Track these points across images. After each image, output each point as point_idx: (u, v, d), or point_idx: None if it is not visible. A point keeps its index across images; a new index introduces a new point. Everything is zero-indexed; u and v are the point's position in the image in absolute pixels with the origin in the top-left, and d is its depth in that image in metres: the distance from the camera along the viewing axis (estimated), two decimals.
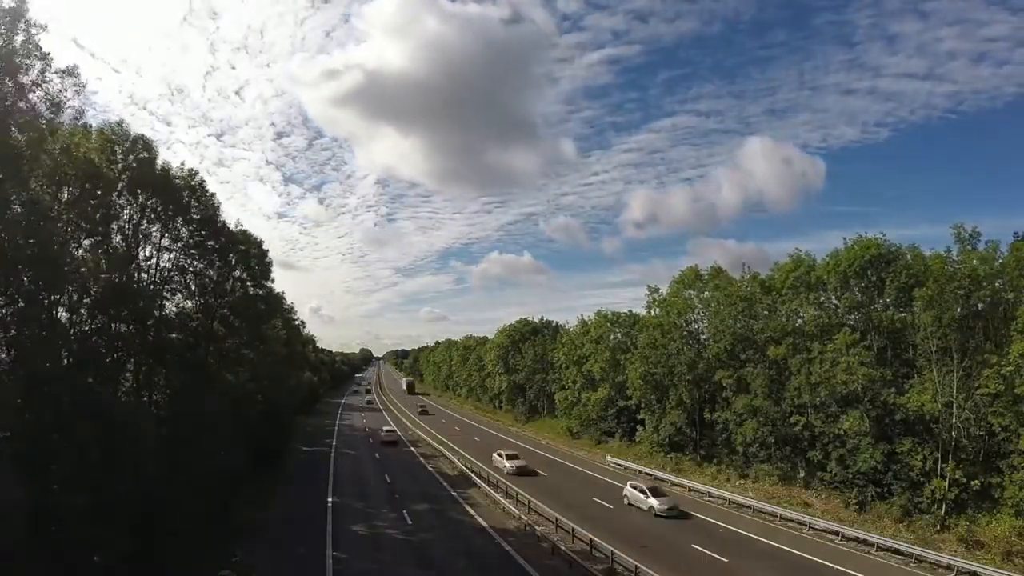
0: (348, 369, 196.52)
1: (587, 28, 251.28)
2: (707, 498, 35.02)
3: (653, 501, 31.48)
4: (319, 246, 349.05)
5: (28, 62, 17.42)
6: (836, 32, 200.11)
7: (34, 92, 17.75)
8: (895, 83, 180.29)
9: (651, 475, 40.77)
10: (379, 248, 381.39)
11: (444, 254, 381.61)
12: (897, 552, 25.04)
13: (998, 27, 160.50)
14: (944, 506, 27.88)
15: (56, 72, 18.14)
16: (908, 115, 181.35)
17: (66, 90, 18.44)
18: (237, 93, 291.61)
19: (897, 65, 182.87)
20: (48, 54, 17.80)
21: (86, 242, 22.63)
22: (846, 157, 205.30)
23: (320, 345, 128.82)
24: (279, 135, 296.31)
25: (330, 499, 35.01)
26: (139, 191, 25.33)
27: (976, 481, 27.21)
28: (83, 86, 18.81)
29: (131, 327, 24.18)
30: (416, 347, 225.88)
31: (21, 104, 17.42)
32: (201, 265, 29.39)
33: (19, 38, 17.19)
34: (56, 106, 18.53)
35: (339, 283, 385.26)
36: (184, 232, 28.06)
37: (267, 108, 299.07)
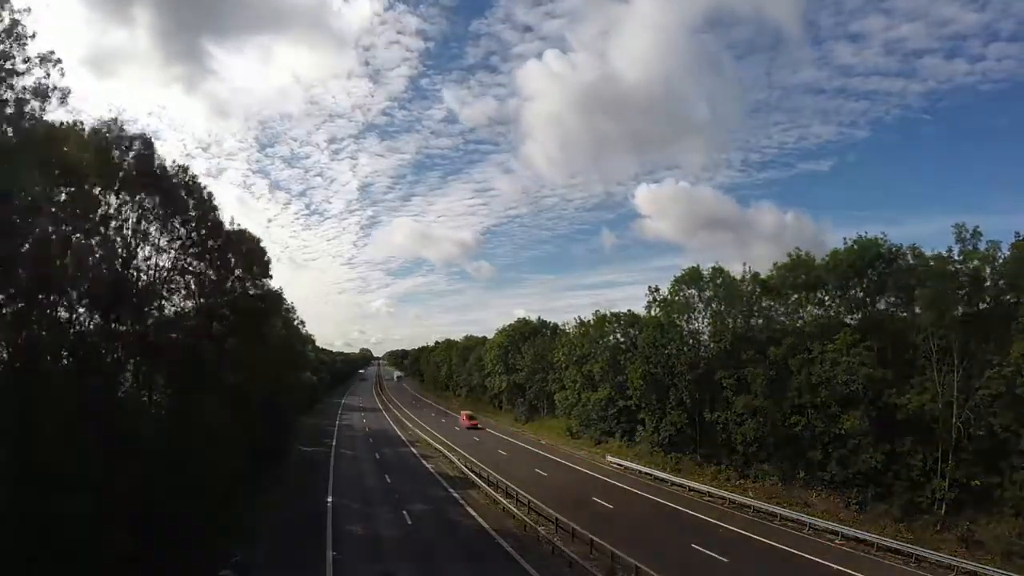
0: (348, 369, 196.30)
1: (547, 37, 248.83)
2: (707, 498, 35.00)
3: None
4: (309, 249, 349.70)
5: (10, 46, 17.24)
6: (800, 30, 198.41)
7: (19, 78, 17.51)
8: (866, 82, 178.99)
9: (651, 475, 40.80)
10: (368, 250, 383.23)
11: (432, 255, 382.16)
12: (897, 552, 25.04)
13: (966, 23, 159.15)
14: (944, 506, 27.90)
15: (37, 56, 17.96)
16: (883, 114, 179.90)
17: (49, 76, 18.28)
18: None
19: (865, 64, 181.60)
20: (31, 35, 17.54)
21: (84, 241, 22.51)
22: (825, 156, 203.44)
23: (320, 345, 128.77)
24: (263, 146, 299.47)
25: (330, 499, 34.99)
26: (136, 190, 25.19)
27: (976, 481, 27.23)
28: (59, 62, 18.53)
29: (130, 327, 24.12)
30: (415, 347, 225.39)
31: (6, 93, 17.21)
32: (200, 264, 29.30)
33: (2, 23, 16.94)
34: (42, 94, 18.27)
35: (332, 285, 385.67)
36: (182, 231, 27.92)
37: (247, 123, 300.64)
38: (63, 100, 18.94)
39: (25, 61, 17.57)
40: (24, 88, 17.74)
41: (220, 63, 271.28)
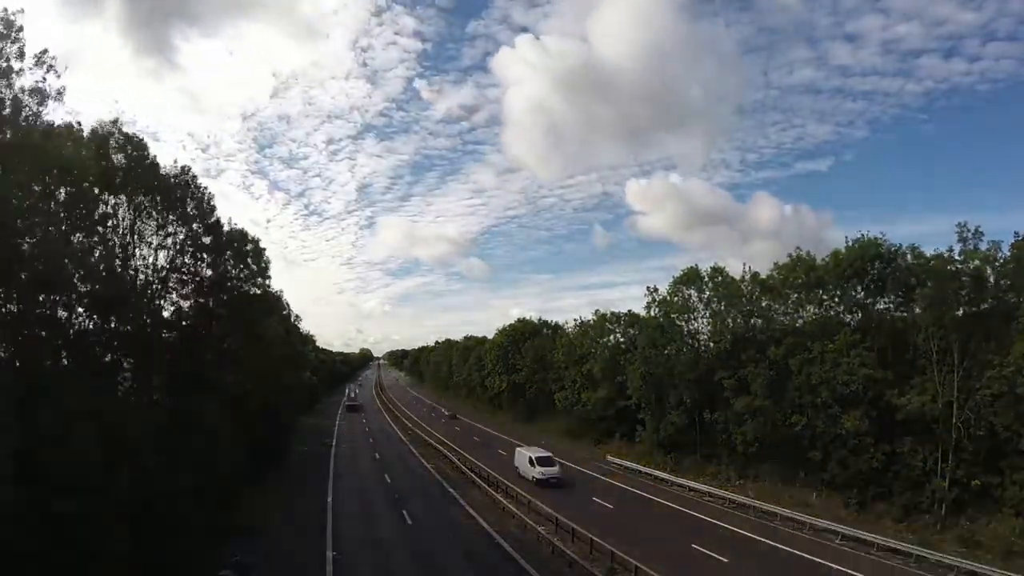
0: (348, 369, 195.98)
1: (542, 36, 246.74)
2: (707, 498, 34.99)
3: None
4: (308, 249, 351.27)
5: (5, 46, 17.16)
6: (795, 31, 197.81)
7: (17, 77, 17.40)
8: (863, 82, 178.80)
9: (651, 475, 40.79)
10: (367, 251, 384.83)
11: (430, 255, 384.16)
12: (897, 552, 25.02)
13: (963, 22, 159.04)
14: (944, 506, 27.86)
15: (33, 56, 17.88)
16: (881, 114, 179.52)
17: (45, 78, 18.19)
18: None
19: (862, 64, 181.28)
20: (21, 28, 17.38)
21: (83, 241, 22.49)
22: (823, 156, 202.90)
23: (319, 345, 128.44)
24: (261, 147, 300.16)
25: (329, 499, 34.98)
26: (134, 189, 25.18)
27: (976, 481, 27.18)
28: (53, 64, 18.34)
29: (128, 327, 24.09)
30: (415, 347, 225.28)
31: (4, 92, 17.14)
32: (198, 264, 29.28)
33: None
34: (40, 93, 18.17)
35: (331, 285, 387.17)
36: (179, 230, 27.89)
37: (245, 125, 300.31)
38: (59, 98, 18.80)
39: (20, 57, 17.44)
40: (23, 89, 17.65)
41: (206, 58, 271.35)
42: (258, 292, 34.90)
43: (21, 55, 17.50)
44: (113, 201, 24.35)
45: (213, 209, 29.73)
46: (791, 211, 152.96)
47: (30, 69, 17.79)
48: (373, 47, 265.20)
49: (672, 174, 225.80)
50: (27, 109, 17.80)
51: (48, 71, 18.19)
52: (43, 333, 20.11)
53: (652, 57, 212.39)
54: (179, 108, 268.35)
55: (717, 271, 44.30)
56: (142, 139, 25.84)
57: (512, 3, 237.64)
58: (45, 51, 18.17)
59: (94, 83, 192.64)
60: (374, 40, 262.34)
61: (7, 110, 17.22)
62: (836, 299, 36.83)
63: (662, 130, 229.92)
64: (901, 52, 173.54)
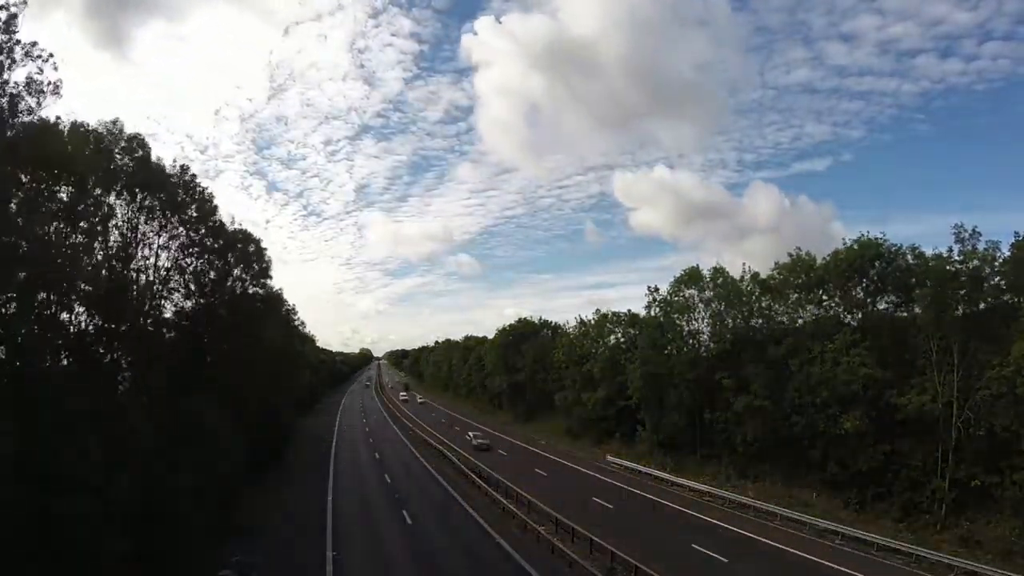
0: (348, 369, 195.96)
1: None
2: (707, 498, 35.00)
3: None
4: (308, 250, 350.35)
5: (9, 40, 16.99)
6: (791, 31, 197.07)
7: (12, 71, 17.22)
8: (860, 82, 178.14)
9: (651, 475, 40.81)
10: (366, 251, 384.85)
11: (429, 255, 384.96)
12: (897, 552, 25.03)
13: (959, 22, 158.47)
14: (944, 506, 27.86)
15: (22, 48, 17.58)
16: (877, 114, 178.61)
17: (42, 71, 17.97)
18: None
19: (858, 64, 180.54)
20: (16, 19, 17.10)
21: (83, 241, 22.51)
22: (820, 156, 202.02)
23: (320, 345, 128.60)
24: (260, 148, 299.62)
25: (329, 498, 34.97)
26: (136, 190, 25.23)
27: (976, 481, 27.18)
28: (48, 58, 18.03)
29: (129, 327, 24.11)
30: (414, 347, 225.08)
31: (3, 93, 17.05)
32: (199, 264, 29.34)
33: None
34: (36, 88, 17.96)
35: (331, 285, 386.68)
36: (181, 231, 28.01)
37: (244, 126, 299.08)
38: (55, 91, 18.49)
39: (18, 46, 17.28)
40: (17, 84, 17.46)
41: (206, 59, 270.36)
42: (259, 292, 34.98)
43: (13, 48, 17.30)
44: (116, 201, 24.39)
45: (215, 210, 29.83)
46: (789, 204, 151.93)
47: (21, 61, 17.49)
48: (370, 48, 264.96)
49: (670, 171, 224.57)
50: (23, 105, 17.61)
51: (44, 62, 17.91)
52: (44, 333, 20.11)
53: (636, 32, 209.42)
54: (178, 109, 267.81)
55: (718, 271, 44.33)
56: (145, 139, 25.92)
57: (507, 3, 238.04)
58: (34, 43, 17.77)
59: (85, 82, 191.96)
60: (371, 41, 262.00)
61: (4, 109, 17.13)
62: (836, 299, 36.85)
63: (656, 115, 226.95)
64: (897, 52, 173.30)
